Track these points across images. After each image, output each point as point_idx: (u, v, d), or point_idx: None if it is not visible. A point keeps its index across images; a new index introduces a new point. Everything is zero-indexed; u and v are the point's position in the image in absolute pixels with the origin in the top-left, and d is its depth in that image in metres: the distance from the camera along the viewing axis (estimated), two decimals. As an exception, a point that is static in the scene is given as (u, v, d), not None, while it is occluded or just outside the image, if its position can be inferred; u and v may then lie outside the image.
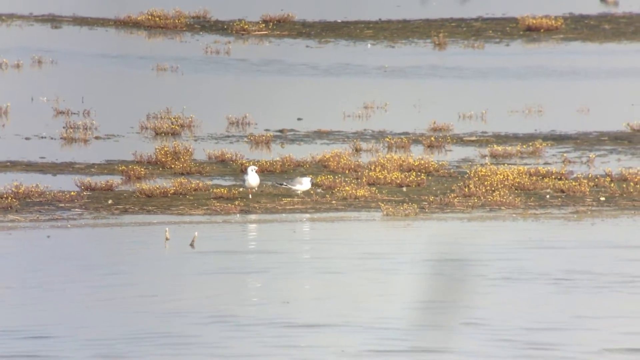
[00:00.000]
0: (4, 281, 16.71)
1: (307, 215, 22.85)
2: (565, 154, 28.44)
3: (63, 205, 23.15)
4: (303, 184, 24.10)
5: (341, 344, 13.69)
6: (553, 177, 25.69)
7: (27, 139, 29.03)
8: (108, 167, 26.36)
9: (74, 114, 31.91)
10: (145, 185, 24.38)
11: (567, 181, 25.29)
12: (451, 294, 15.79)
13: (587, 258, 18.46)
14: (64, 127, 30.13)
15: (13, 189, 23.42)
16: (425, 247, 19.18)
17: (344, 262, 18.04)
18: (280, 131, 30.65)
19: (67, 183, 24.71)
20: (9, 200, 22.95)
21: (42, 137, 29.13)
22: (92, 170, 26.08)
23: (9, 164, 26.37)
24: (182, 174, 25.94)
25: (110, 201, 23.59)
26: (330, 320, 14.65)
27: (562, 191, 24.83)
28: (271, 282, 16.84)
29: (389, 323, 14.60)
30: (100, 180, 24.64)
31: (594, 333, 14.39)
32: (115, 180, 24.90)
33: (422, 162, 26.27)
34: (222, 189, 24.25)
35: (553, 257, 18.54)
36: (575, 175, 25.96)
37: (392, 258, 18.29)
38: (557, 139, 30.32)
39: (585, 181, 25.22)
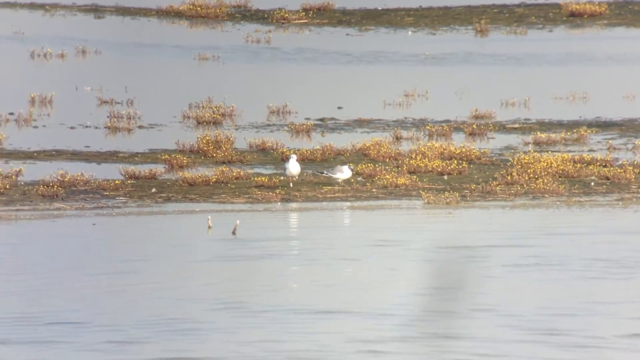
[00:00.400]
0: (32, 267, 16.75)
1: (348, 204, 22.85)
2: (610, 141, 28.16)
3: (108, 193, 23.37)
4: (344, 173, 24.09)
5: (348, 330, 13.65)
6: (598, 164, 25.47)
7: (71, 128, 29.25)
8: (151, 156, 26.51)
9: (118, 103, 32.15)
10: (188, 173, 24.50)
11: (612, 168, 25.06)
12: (460, 281, 15.63)
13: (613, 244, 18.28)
14: (107, 117, 30.37)
15: (59, 178, 23.64)
16: (441, 235, 19.05)
17: (363, 249, 17.95)
18: (321, 120, 30.64)
19: (111, 172, 24.92)
20: (55, 189, 23.16)
21: (86, 127, 29.33)
22: (136, 159, 26.25)
23: (54, 152, 26.61)
24: (224, 162, 26.02)
25: (153, 189, 23.73)
26: (336, 306, 14.61)
27: (607, 178, 24.63)
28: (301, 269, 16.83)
29: (396, 310, 14.55)
30: (143, 169, 24.80)
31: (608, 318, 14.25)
32: (159, 169, 25.05)
33: (464, 150, 26.13)
34: (263, 178, 24.35)
35: (577, 244, 18.39)
36: (620, 162, 25.70)
37: (409, 245, 18.19)
38: (602, 125, 30.02)
39: (631, 168, 24.96)
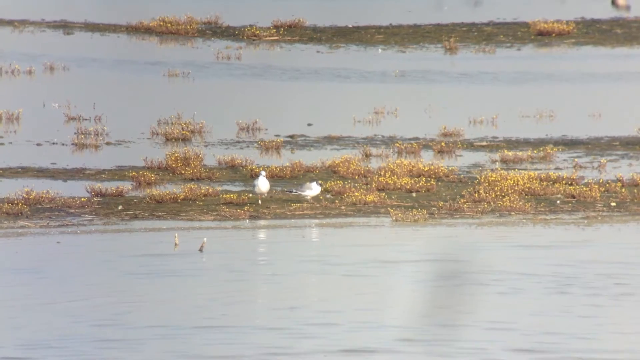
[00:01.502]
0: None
1: (316, 221, 22.90)
2: (576, 159, 28.41)
3: (73, 211, 23.27)
4: (312, 189, 24.13)
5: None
6: (564, 182, 25.64)
7: (38, 144, 29.16)
8: (119, 173, 26.45)
9: (86, 119, 32.08)
10: (156, 191, 24.46)
11: (578, 186, 25.25)
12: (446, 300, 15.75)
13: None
14: (75, 133, 30.29)
15: (24, 195, 23.54)
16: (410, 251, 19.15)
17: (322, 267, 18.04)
18: (291, 137, 30.72)
19: (77, 189, 24.84)
20: (20, 206, 23.07)
21: (53, 143, 29.27)
22: (103, 176, 26.20)
23: (20, 170, 26.50)
24: (192, 179, 26.01)
25: (120, 207, 23.66)
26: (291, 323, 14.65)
27: (573, 196, 24.79)
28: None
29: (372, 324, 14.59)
30: (110, 186, 24.74)
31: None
32: (126, 186, 25.01)
33: (432, 167, 26.29)
34: (232, 195, 24.31)
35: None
36: (586, 181, 25.93)
37: (383, 263, 18.28)
38: (569, 144, 30.27)
39: (597, 186, 25.17)
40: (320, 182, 24.41)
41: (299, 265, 18.44)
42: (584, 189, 24.94)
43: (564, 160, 28.38)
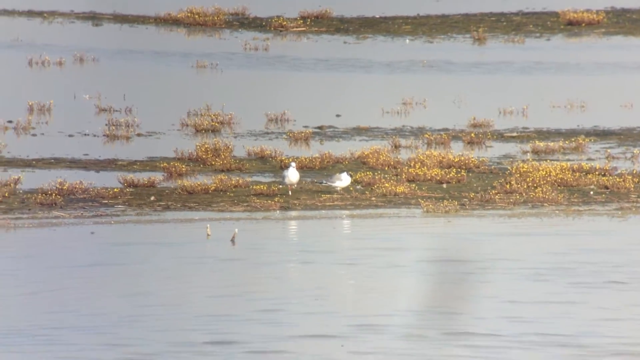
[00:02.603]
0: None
1: (346, 212, 22.84)
2: (608, 150, 28.16)
3: (106, 201, 23.32)
4: (342, 180, 24.06)
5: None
6: (597, 173, 25.43)
7: (70, 136, 29.24)
8: (150, 164, 26.47)
9: (116, 111, 32.11)
10: (187, 182, 24.47)
11: (611, 177, 25.03)
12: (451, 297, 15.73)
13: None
14: (106, 125, 30.32)
15: (57, 186, 23.59)
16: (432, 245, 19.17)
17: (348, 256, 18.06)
18: (319, 128, 30.63)
19: (110, 180, 24.89)
20: (53, 197, 23.13)
21: (85, 135, 29.33)
22: (135, 167, 26.21)
23: (53, 161, 26.59)
24: (223, 170, 25.98)
25: (152, 198, 23.69)
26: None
27: (606, 187, 24.59)
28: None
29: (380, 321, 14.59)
30: (142, 177, 24.76)
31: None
32: (157, 177, 25.01)
33: (462, 158, 26.11)
34: (262, 186, 24.32)
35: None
36: (619, 172, 25.69)
37: (397, 255, 18.30)
38: (601, 134, 29.99)
39: (630, 177, 24.94)
40: (350, 172, 24.33)
41: (328, 257, 18.39)
42: (617, 179, 24.74)
43: (596, 151, 28.16)
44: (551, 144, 28.20)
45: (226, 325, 14.56)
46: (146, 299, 15.89)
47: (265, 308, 15.27)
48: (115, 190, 23.84)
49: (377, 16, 46.56)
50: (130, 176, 24.62)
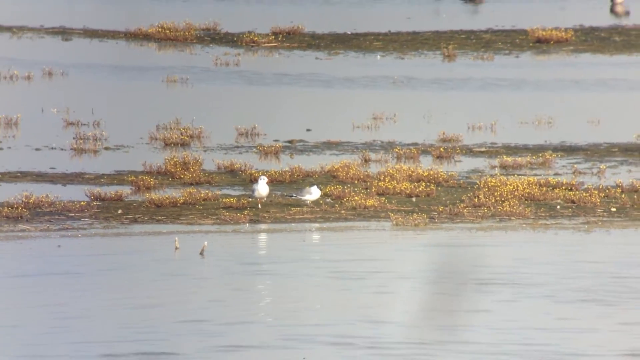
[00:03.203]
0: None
1: (316, 225, 22.89)
2: (575, 165, 28.40)
3: (73, 215, 23.25)
4: (312, 194, 24.12)
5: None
6: (564, 187, 25.64)
7: (37, 149, 29.16)
8: (118, 178, 26.46)
9: (84, 125, 32.05)
10: (155, 195, 24.50)
11: (577, 192, 25.27)
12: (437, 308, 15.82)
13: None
14: (74, 138, 30.26)
15: (23, 199, 23.52)
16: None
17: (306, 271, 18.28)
18: (290, 142, 30.70)
19: (77, 193, 24.82)
20: (20, 210, 23.05)
21: (52, 148, 29.27)
22: (102, 180, 26.18)
23: (19, 174, 26.50)
24: (192, 184, 26.01)
25: (120, 211, 23.66)
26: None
27: (573, 202, 24.81)
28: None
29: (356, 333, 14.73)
30: (110, 191, 24.72)
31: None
32: (125, 190, 24.98)
33: (432, 172, 26.28)
34: (232, 199, 24.31)
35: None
36: (585, 186, 25.91)
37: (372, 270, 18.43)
38: (568, 150, 30.27)
39: (596, 192, 25.18)
40: (319, 186, 24.41)
41: (299, 268, 18.41)
42: (584, 194, 24.95)
43: (563, 166, 28.39)
44: (519, 159, 28.41)
45: (154, 336, 14.40)
46: (66, 309, 15.66)
47: (193, 318, 15.19)
48: (82, 203, 23.74)
49: (349, 32, 46.65)
50: (97, 189, 24.55)
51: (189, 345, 13.99)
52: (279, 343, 14.26)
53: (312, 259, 19.39)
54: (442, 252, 19.49)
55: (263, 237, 21.68)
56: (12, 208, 23.15)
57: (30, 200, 23.46)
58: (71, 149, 29.25)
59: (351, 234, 21.81)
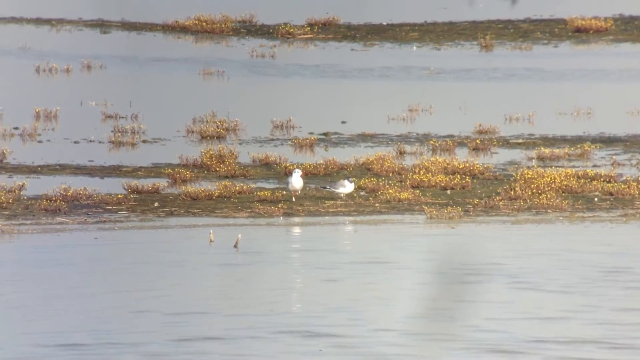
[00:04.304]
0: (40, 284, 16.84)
1: (350, 218, 22.89)
2: (614, 157, 28.09)
3: (110, 207, 23.41)
4: (346, 187, 24.09)
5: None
6: (602, 179, 25.40)
7: (76, 142, 29.30)
8: (154, 170, 26.55)
9: (122, 118, 32.19)
10: (191, 188, 24.55)
11: (615, 184, 24.98)
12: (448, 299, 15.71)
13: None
14: (112, 131, 30.41)
15: (62, 192, 23.66)
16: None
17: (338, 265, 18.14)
18: (324, 134, 30.64)
19: (114, 186, 24.98)
20: (58, 203, 23.19)
21: (90, 141, 29.43)
22: (139, 173, 26.29)
23: (58, 167, 26.67)
24: (227, 177, 26.04)
25: (156, 204, 23.77)
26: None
27: (611, 194, 24.55)
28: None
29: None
30: (146, 183, 24.82)
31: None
32: (162, 183, 25.09)
33: (467, 164, 26.08)
34: (266, 192, 24.38)
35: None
36: (624, 178, 25.60)
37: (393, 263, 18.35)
38: (606, 141, 29.94)
39: (635, 184, 24.87)
40: (352, 179, 24.28)
41: (329, 262, 18.38)
42: (622, 186, 24.66)
43: (602, 157, 28.11)
44: (556, 151, 28.15)
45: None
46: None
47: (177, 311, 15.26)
48: (119, 196, 23.88)
49: (385, 23, 46.51)
50: (134, 182, 24.68)
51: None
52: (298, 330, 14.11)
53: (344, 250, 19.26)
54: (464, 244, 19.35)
55: (297, 230, 21.64)
56: (50, 201, 23.30)
57: (69, 193, 23.60)
58: (109, 141, 29.37)
59: (384, 227, 21.68)
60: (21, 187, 24.26)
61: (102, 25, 46.45)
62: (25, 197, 23.90)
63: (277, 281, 16.88)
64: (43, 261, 18.49)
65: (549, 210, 23.52)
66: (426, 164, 26.04)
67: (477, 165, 26.19)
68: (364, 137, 30.27)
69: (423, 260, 18.40)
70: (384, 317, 14.90)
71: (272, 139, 30.16)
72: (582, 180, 25.18)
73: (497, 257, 18.65)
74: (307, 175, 25.84)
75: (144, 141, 29.64)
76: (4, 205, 23.20)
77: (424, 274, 17.36)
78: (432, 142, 29.21)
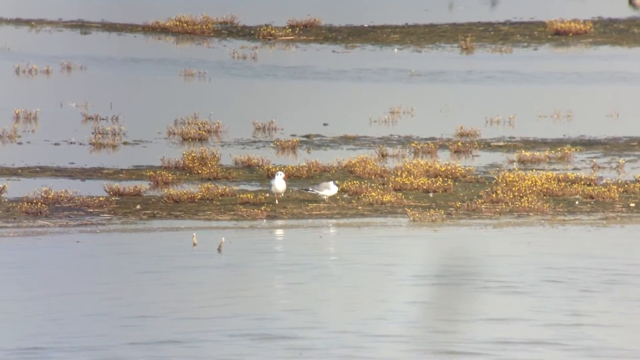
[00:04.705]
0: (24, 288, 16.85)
1: (333, 221, 22.98)
2: (594, 160, 28.31)
3: (92, 210, 23.37)
4: (330, 189, 24.17)
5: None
6: (582, 182, 25.58)
7: (56, 144, 29.26)
8: (136, 173, 26.53)
9: (103, 119, 32.17)
10: (173, 190, 24.56)
11: (596, 187, 25.17)
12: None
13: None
14: (92, 133, 30.37)
15: (42, 194, 23.62)
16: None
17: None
18: (307, 136, 30.72)
19: (95, 188, 24.95)
20: (39, 206, 23.16)
21: (71, 143, 29.35)
22: (121, 175, 26.28)
23: (38, 169, 26.61)
24: (209, 179, 26.06)
25: (138, 206, 23.75)
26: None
27: (592, 197, 24.73)
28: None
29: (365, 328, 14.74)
30: (128, 186, 24.82)
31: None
32: (144, 185, 25.09)
33: (449, 167, 26.23)
34: (249, 195, 24.39)
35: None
36: (604, 181, 25.82)
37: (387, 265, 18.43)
38: (586, 144, 30.14)
39: (615, 187, 25.07)
40: (337, 182, 24.39)
41: (314, 265, 18.47)
42: (603, 189, 24.87)
43: (582, 160, 28.32)
44: (537, 154, 28.31)
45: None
46: None
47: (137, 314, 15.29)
48: (100, 199, 23.86)
49: (366, 25, 46.58)
50: (116, 185, 24.64)
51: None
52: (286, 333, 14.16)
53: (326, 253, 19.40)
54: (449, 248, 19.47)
55: (280, 232, 21.67)
56: (31, 203, 23.29)
57: (50, 196, 23.53)
58: (90, 143, 29.34)
59: (367, 231, 21.77)
60: (1, 190, 24.17)
61: (82, 26, 46.30)
62: (5, 200, 23.82)
63: (246, 284, 16.88)
64: (15, 264, 18.36)
65: (531, 213, 23.64)
66: (408, 166, 26.13)
67: (459, 168, 26.29)
68: (346, 140, 30.37)
69: (395, 263, 18.44)
70: (343, 319, 14.86)
71: (254, 141, 30.19)
72: (563, 184, 25.29)
73: (472, 260, 18.75)
74: (290, 178, 25.83)
75: (124, 143, 29.58)
76: (-16, 208, 23.25)
77: (395, 277, 17.38)
78: (414, 144, 29.30)
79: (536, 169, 27.15)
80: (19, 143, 29.27)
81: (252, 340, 13.99)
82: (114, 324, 14.73)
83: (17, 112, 32.10)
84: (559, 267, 18.21)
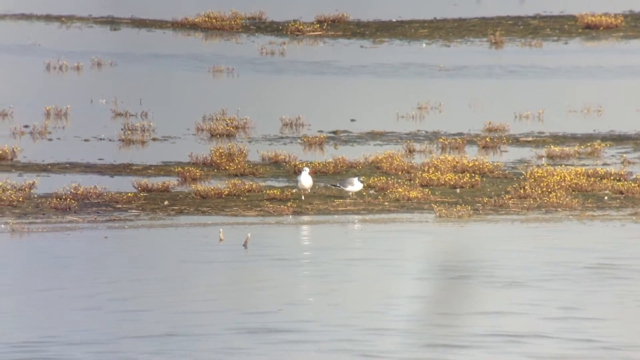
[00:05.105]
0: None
1: (359, 217, 22.90)
2: (624, 155, 28.04)
3: (120, 206, 23.45)
4: (354, 185, 24.12)
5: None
6: (612, 178, 25.36)
7: (86, 140, 29.36)
8: (164, 169, 26.60)
9: (132, 115, 32.22)
10: (201, 186, 24.59)
11: (626, 182, 24.93)
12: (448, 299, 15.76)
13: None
14: (122, 129, 30.46)
15: (72, 190, 23.71)
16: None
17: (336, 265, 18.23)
18: (334, 132, 30.63)
19: (124, 184, 25.03)
20: (68, 201, 23.25)
21: (100, 139, 29.48)
22: (149, 171, 26.33)
23: (68, 165, 26.72)
24: (236, 175, 26.11)
25: (166, 202, 23.81)
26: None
27: (621, 192, 24.52)
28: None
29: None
30: (156, 182, 24.88)
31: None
32: (172, 181, 25.14)
33: (477, 163, 26.05)
34: (275, 190, 24.44)
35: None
36: (634, 176, 25.58)
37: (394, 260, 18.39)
38: (616, 139, 29.87)
39: (645, 182, 24.87)
40: (361, 179, 24.30)
41: (339, 261, 18.39)
42: (632, 184, 24.65)
43: (612, 155, 28.06)
44: (566, 149, 28.08)
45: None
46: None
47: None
48: (129, 194, 23.94)
49: (394, 20, 46.43)
50: (144, 181, 24.72)
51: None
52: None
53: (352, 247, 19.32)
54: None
55: (305, 228, 21.70)
56: (60, 199, 23.35)
57: (79, 192, 23.67)
58: (119, 139, 29.40)
59: (393, 226, 21.68)
60: (31, 186, 24.32)
61: (112, 22, 46.44)
62: (35, 196, 23.94)
63: (264, 279, 16.80)
64: (42, 259, 18.43)
65: (559, 209, 23.49)
66: (435, 162, 26.01)
67: (487, 164, 26.15)
68: (373, 135, 30.25)
69: (413, 258, 18.39)
70: (337, 313, 14.84)
71: (282, 137, 30.17)
72: (592, 179, 25.13)
73: (489, 255, 18.60)
74: (316, 174, 25.83)
75: (153, 139, 29.64)
76: (15, 203, 23.28)
77: (409, 272, 17.32)
78: (441, 140, 29.14)
79: (565, 165, 26.93)
80: (50, 139, 29.37)
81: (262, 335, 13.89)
82: (112, 317, 14.73)
83: (47, 108, 32.20)
84: (588, 263, 17.96)
